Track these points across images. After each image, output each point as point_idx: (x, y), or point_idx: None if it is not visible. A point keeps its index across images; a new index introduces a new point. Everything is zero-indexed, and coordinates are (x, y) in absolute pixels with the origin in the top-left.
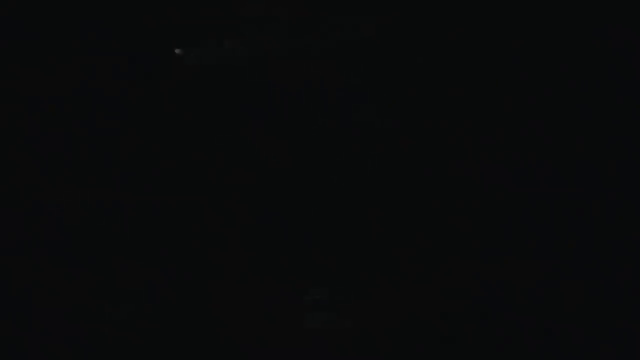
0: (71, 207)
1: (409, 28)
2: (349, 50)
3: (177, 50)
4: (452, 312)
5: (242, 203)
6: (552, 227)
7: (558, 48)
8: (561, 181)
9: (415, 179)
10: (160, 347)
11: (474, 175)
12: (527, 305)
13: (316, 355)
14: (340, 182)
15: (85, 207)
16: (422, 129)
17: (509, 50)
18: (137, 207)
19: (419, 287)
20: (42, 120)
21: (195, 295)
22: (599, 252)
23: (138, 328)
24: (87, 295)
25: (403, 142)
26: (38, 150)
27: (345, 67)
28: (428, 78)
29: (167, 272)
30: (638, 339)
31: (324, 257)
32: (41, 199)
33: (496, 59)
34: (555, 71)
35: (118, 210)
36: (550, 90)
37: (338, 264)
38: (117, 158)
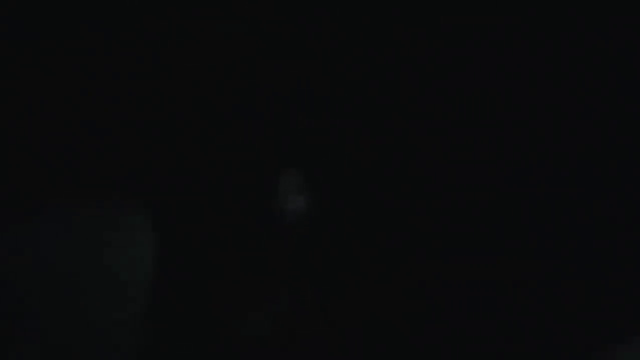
0: (71, 207)
1: (398, 27)
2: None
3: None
4: (414, 312)
5: (242, 203)
6: (516, 226)
7: (551, 46)
8: (531, 179)
9: (378, 178)
10: (160, 347)
11: (436, 175)
12: (491, 306)
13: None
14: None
15: (85, 206)
16: (388, 129)
17: (496, 48)
18: (136, 207)
19: (379, 287)
20: (42, 120)
21: (195, 295)
22: (594, 253)
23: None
24: None
25: (366, 140)
26: (38, 150)
27: (337, 66)
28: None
29: (167, 272)
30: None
31: (314, 254)
32: (41, 199)
33: (482, 56)
34: (541, 69)
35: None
36: (528, 88)
37: (326, 264)
38: (117, 158)
